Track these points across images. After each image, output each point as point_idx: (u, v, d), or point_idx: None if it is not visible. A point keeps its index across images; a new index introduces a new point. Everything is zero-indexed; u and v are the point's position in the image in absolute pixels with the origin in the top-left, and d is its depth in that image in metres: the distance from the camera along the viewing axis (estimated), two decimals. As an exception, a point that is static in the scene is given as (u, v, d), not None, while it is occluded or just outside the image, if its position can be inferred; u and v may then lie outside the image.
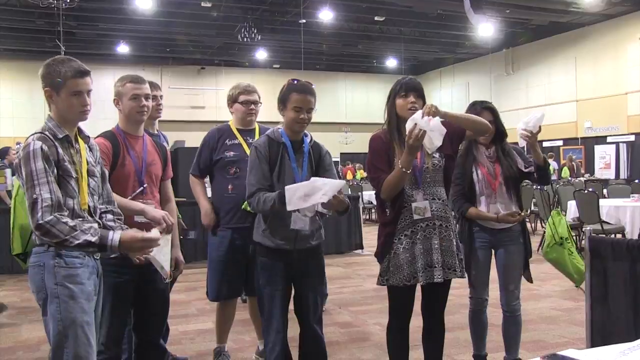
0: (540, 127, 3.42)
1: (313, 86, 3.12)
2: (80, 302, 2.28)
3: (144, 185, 2.99)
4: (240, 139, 3.72)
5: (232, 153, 3.67)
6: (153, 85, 3.70)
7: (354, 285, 6.42)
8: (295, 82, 3.09)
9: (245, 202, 3.50)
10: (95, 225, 2.33)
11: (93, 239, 2.19)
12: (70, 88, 2.29)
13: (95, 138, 2.75)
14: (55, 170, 2.23)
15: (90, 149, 2.49)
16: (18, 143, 12.48)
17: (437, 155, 2.93)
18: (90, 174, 2.41)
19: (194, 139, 5.90)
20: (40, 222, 2.14)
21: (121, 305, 2.89)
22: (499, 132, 3.46)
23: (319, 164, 3.10)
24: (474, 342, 3.71)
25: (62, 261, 2.27)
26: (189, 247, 6.07)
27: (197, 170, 3.81)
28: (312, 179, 2.76)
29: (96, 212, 2.42)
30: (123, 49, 21.29)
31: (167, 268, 2.67)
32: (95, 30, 19.18)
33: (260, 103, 3.83)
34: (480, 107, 3.43)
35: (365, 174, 22.21)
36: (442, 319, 3.11)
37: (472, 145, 3.49)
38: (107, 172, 2.61)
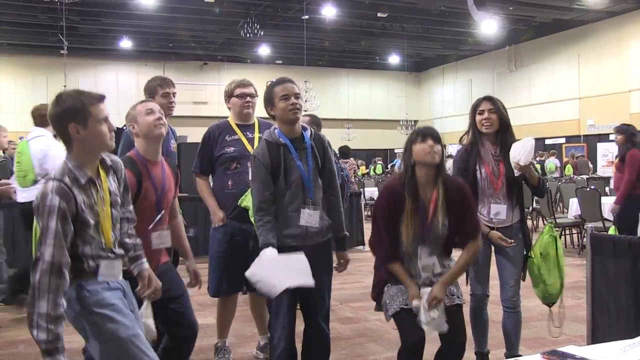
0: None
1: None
2: (118, 320, 2.25)
3: (162, 212, 2.88)
4: (240, 134, 3.72)
5: (232, 149, 3.66)
6: (167, 83, 3.69)
7: (355, 281, 6.42)
8: (273, 80, 3.10)
9: (242, 199, 3.53)
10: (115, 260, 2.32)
11: (45, 337, 2.04)
12: (98, 115, 2.23)
13: None
14: (72, 227, 2.17)
15: (115, 171, 2.40)
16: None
17: (445, 224, 2.86)
18: (113, 204, 2.34)
19: (197, 135, 5.90)
20: (33, 281, 2.08)
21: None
22: (503, 123, 3.43)
23: (323, 156, 3.07)
24: (475, 339, 3.71)
25: (84, 291, 2.24)
26: (189, 243, 6.07)
27: (198, 168, 3.80)
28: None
29: (122, 243, 2.42)
30: (126, 44, 21.29)
31: (152, 331, 2.58)
32: (98, 25, 19.17)
33: (257, 96, 3.82)
34: (479, 100, 3.46)
35: (366, 170, 22.20)
36: (461, 345, 2.87)
37: (477, 140, 3.44)
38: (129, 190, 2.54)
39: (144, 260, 2.56)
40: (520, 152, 3.24)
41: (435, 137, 2.82)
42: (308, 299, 3.08)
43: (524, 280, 3.63)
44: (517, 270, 3.51)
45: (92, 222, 2.23)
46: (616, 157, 6.74)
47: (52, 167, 4.22)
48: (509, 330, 3.60)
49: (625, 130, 6.48)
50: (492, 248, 3.53)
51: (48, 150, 4.91)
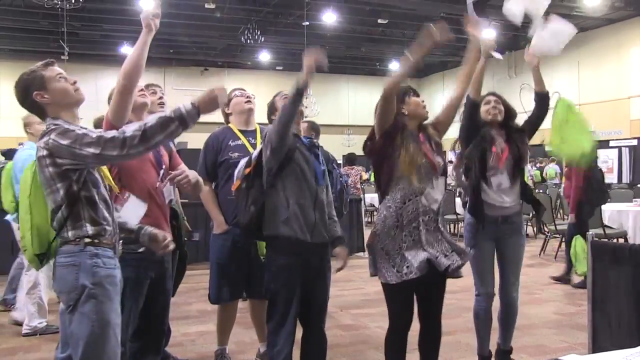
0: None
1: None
2: (115, 304, 2.27)
3: (164, 167, 3.05)
4: (244, 140, 3.72)
5: (236, 154, 3.65)
6: (147, 86, 3.70)
7: (355, 287, 6.41)
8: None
9: None
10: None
11: (170, 114, 2.20)
12: (52, 75, 2.32)
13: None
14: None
15: None
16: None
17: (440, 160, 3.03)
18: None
19: (197, 141, 5.91)
20: (124, 135, 2.14)
21: (140, 301, 2.89)
22: (508, 112, 3.67)
23: (327, 162, 3.28)
24: (480, 342, 3.70)
25: (100, 261, 2.24)
26: (190, 248, 6.07)
27: (204, 174, 3.73)
28: None
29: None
30: (127, 50, 21.27)
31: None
32: (99, 31, 19.21)
33: (254, 96, 3.88)
34: (483, 95, 3.63)
35: (366, 177, 22.18)
36: (440, 322, 3.10)
37: (487, 130, 3.58)
38: None
39: (145, 225, 2.64)
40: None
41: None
42: (313, 303, 3.07)
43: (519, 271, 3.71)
44: (519, 267, 3.64)
45: (99, 180, 2.31)
46: (566, 165, 7.01)
47: None
48: (507, 325, 3.69)
49: None
50: (495, 245, 3.59)
51: None
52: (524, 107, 4.25)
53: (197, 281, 6.48)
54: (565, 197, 7.30)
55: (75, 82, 2.37)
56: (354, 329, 4.91)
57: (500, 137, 3.59)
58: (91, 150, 2.15)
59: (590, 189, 6.57)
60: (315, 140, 3.25)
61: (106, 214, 2.30)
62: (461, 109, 3.45)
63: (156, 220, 2.88)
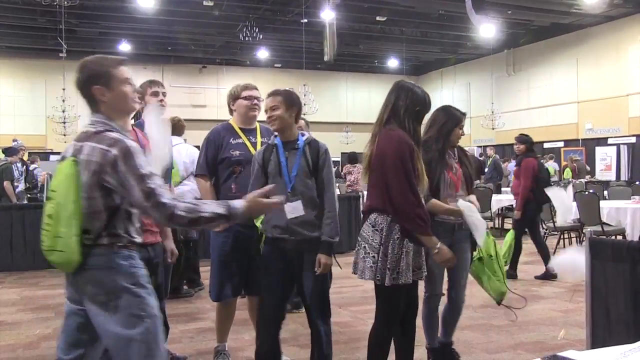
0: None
1: (287, 89, 3.36)
2: (153, 298, 2.28)
3: None
4: (244, 138, 3.72)
5: (237, 152, 3.67)
6: (155, 82, 3.71)
7: (353, 285, 6.40)
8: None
9: None
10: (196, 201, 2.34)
11: (221, 211, 2.20)
12: (121, 76, 2.29)
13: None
14: None
15: None
16: (15, 140, 12.41)
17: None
18: None
19: (195, 138, 5.91)
20: (167, 209, 2.12)
21: None
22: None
23: (317, 160, 3.22)
24: (429, 336, 3.79)
25: (134, 262, 2.25)
26: (192, 244, 6.09)
27: (204, 170, 3.74)
28: None
29: None
30: (125, 47, 21.28)
31: None
32: (97, 29, 19.17)
33: (262, 100, 3.82)
34: (461, 116, 3.68)
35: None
36: (415, 324, 3.29)
37: (445, 150, 3.62)
38: None
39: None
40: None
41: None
42: (303, 299, 3.19)
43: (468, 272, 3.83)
44: (466, 270, 3.75)
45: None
46: (515, 164, 7.32)
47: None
48: (451, 321, 3.81)
49: (526, 141, 7.13)
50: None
51: (194, 156, 4.97)
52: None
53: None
54: (514, 195, 7.61)
55: (135, 92, 2.36)
56: (352, 326, 4.92)
57: (453, 158, 3.70)
58: (140, 197, 2.13)
59: (537, 189, 6.84)
60: (306, 136, 3.29)
61: (137, 225, 2.31)
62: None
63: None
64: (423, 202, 3.00)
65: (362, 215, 3.15)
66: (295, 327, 4.76)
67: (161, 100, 3.71)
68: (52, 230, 2.20)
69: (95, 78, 2.27)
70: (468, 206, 3.43)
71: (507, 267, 6.47)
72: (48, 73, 21.06)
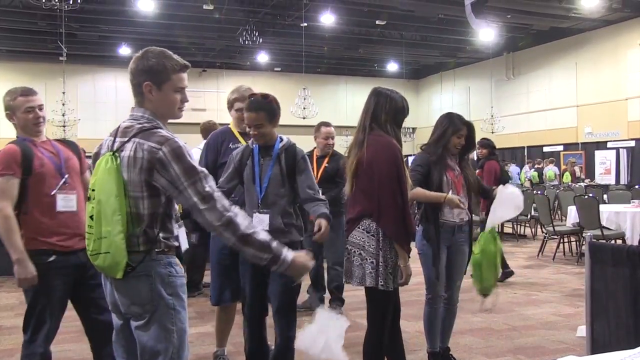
0: None
1: (266, 100, 3.17)
2: (186, 312, 2.19)
3: (66, 176, 2.98)
4: (244, 143, 3.72)
5: None
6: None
7: (352, 289, 6.39)
8: (250, 97, 3.21)
9: None
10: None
11: (273, 244, 2.09)
12: (175, 83, 2.18)
13: None
14: None
15: None
16: None
17: None
18: None
19: (195, 142, 5.90)
20: (224, 215, 2.01)
21: (60, 306, 2.96)
22: (468, 145, 3.76)
23: (293, 167, 3.17)
24: (430, 340, 3.80)
25: (173, 270, 2.14)
26: (191, 249, 6.05)
27: None
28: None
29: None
30: (125, 51, 21.29)
31: None
32: (97, 32, 19.19)
33: None
34: (461, 123, 3.69)
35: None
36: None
37: (444, 155, 3.68)
38: None
39: None
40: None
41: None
42: (271, 300, 3.21)
43: (464, 273, 3.85)
44: (463, 271, 3.79)
45: None
46: (478, 167, 7.60)
47: None
48: (449, 325, 3.82)
49: (488, 145, 7.49)
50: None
51: None
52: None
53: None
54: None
55: (185, 101, 2.23)
56: (353, 330, 4.89)
57: (455, 163, 3.75)
58: (195, 199, 2.02)
59: None
60: (284, 142, 3.22)
61: (173, 227, 2.22)
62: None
63: (62, 229, 2.90)
64: (411, 213, 3.04)
65: (347, 222, 3.08)
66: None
67: None
68: (95, 231, 2.07)
69: (150, 73, 2.16)
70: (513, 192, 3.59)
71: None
72: (48, 77, 21.07)
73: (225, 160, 3.67)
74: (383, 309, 3.06)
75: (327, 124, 5.51)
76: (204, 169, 2.10)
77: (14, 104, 2.98)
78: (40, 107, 3.03)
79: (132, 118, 2.18)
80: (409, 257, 3.01)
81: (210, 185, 2.06)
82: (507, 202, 3.64)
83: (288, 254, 2.14)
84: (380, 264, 2.93)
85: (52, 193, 2.89)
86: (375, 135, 2.99)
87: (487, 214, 6.91)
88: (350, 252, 3.01)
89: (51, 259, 2.86)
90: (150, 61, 2.17)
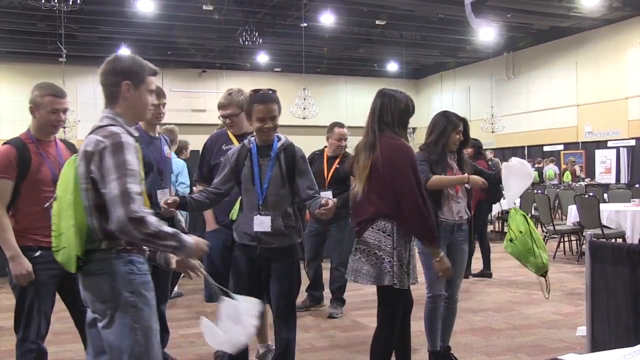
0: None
1: (273, 93, 3.17)
2: (153, 310, 2.21)
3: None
4: (236, 144, 3.74)
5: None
6: (159, 94, 3.69)
7: (354, 289, 6.40)
8: (257, 92, 3.16)
9: (231, 212, 3.55)
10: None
11: (178, 235, 2.13)
12: (149, 85, 2.29)
13: None
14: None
15: None
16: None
17: None
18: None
19: (195, 142, 5.91)
20: (138, 213, 2.01)
21: (48, 300, 2.99)
22: (464, 140, 3.79)
23: (292, 167, 3.12)
24: (431, 339, 3.81)
25: (135, 268, 2.17)
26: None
27: (200, 177, 3.85)
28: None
29: None
30: (124, 51, 21.28)
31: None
32: (96, 33, 19.20)
33: (242, 111, 3.81)
34: (458, 120, 3.72)
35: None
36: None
37: (445, 153, 3.72)
38: None
39: None
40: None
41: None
42: (271, 305, 3.18)
43: (466, 277, 3.86)
44: (463, 270, 3.84)
45: (142, 175, 2.25)
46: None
47: None
48: (449, 324, 3.84)
49: (474, 145, 7.37)
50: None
51: None
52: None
53: (195, 283, 6.48)
54: None
55: (154, 104, 2.38)
56: (352, 330, 4.92)
57: (453, 162, 3.77)
58: (115, 193, 2.04)
59: (489, 189, 7.02)
60: (282, 141, 3.16)
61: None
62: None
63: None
64: (432, 212, 3.11)
65: (358, 223, 3.10)
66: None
67: (159, 113, 3.68)
68: (56, 228, 2.17)
69: (129, 74, 2.24)
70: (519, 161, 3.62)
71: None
72: (48, 78, 20.72)
73: (216, 162, 3.69)
74: (394, 307, 3.09)
75: (340, 125, 5.49)
76: (136, 170, 2.12)
77: (41, 101, 2.98)
78: (65, 111, 3.06)
79: (100, 119, 2.28)
80: (440, 251, 3.12)
81: (134, 184, 2.08)
82: (519, 173, 3.64)
83: (190, 240, 2.20)
84: (396, 263, 2.99)
85: (45, 206, 2.82)
86: (388, 138, 3.04)
87: (476, 214, 7.00)
88: (363, 252, 3.04)
89: (36, 254, 2.89)
90: (127, 62, 2.28)
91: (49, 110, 2.96)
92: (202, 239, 2.31)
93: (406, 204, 2.95)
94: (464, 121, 3.79)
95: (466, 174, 3.63)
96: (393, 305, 3.09)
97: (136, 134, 2.27)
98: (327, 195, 4.78)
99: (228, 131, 3.83)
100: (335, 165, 5.30)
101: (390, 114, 3.07)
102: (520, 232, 3.67)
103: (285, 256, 3.13)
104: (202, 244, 2.28)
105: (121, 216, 2.02)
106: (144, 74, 2.27)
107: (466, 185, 3.74)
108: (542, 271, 3.70)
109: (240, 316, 2.40)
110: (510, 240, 3.69)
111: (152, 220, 2.06)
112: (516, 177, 3.65)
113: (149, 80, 2.29)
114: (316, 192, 3.13)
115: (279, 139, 3.16)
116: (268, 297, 3.22)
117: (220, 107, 3.79)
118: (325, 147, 5.46)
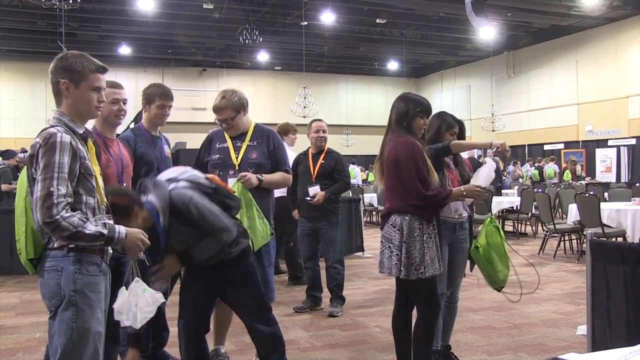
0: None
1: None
2: (97, 312, 2.23)
3: (124, 185, 3.06)
4: (229, 143, 3.76)
5: (217, 156, 3.74)
6: (166, 95, 3.69)
7: (355, 287, 6.40)
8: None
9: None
10: (105, 218, 2.31)
11: (104, 231, 2.16)
12: (92, 82, 2.29)
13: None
14: (79, 169, 2.18)
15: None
16: (24, 150, 12.44)
17: None
18: (101, 172, 2.39)
19: (195, 141, 5.92)
20: (55, 216, 2.05)
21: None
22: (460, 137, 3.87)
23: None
24: (435, 337, 3.78)
25: (83, 268, 2.20)
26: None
27: None
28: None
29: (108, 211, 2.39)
30: (125, 50, 21.32)
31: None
32: (97, 32, 19.20)
33: (236, 114, 3.76)
34: (454, 121, 3.79)
35: (365, 176, 22.19)
36: None
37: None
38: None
39: None
40: (481, 175, 3.57)
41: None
42: (237, 307, 3.19)
43: (471, 271, 3.89)
44: (463, 268, 3.85)
45: (92, 172, 2.25)
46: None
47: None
48: (450, 323, 3.87)
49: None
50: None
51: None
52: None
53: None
54: None
55: (101, 101, 2.33)
56: (353, 329, 4.91)
57: (450, 160, 3.81)
58: (40, 195, 2.07)
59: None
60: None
61: (92, 201, 2.27)
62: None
63: None
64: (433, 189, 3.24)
65: (380, 219, 3.36)
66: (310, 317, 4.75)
67: (164, 115, 3.72)
68: (16, 233, 2.28)
69: (68, 72, 2.26)
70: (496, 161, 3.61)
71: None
72: (48, 76, 21.08)
73: (208, 160, 3.77)
74: (425, 296, 3.26)
75: (318, 119, 5.68)
76: (65, 172, 2.11)
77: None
78: (125, 102, 3.20)
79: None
80: (457, 191, 3.32)
81: (61, 186, 2.09)
82: (486, 172, 3.65)
83: (122, 230, 2.22)
84: (403, 255, 3.17)
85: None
86: (394, 136, 3.30)
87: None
88: (383, 245, 3.29)
89: None
90: (68, 60, 2.28)
91: (109, 101, 3.09)
92: (136, 229, 2.32)
93: (411, 194, 3.16)
94: (460, 123, 3.87)
95: (461, 187, 3.54)
96: (423, 294, 3.26)
97: (81, 131, 2.27)
98: (315, 189, 5.23)
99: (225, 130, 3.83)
100: (320, 160, 5.41)
101: (396, 115, 3.35)
102: (488, 243, 3.67)
103: (234, 265, 3.09)
104: (135, 233, 2.29)
105: (38, 219, 2.08)
106: (85, 72, 2.26)
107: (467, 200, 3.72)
108: (498, 286, 3.70)
109: (139, 302, 2.51)
110: (477, 247, 3.69)
111: (72, 221, 2.08)
112: (484, 176, 3.66)
113: (93, 78, 2.28)
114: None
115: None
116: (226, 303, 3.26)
117: (215, 111, 3.77)
118: (309, 147, 5.56)
